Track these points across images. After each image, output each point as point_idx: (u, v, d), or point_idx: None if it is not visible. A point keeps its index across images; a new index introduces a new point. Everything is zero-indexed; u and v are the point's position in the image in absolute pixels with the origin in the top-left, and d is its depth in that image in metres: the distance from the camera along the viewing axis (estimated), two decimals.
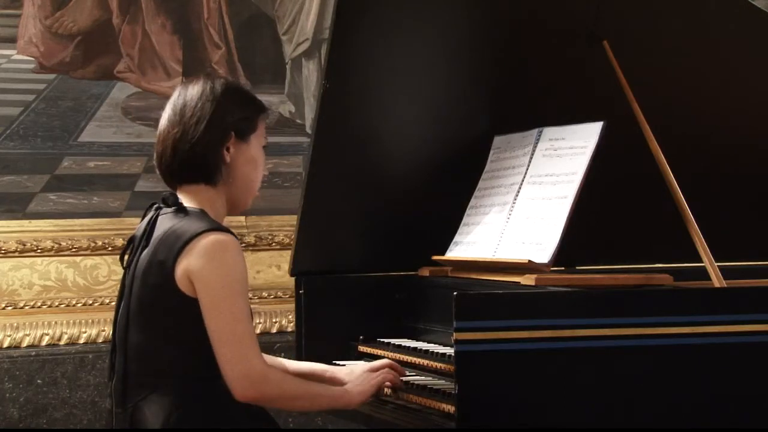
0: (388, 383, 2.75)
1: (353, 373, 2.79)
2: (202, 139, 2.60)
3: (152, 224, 2.61)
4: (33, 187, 4.29)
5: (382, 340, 3.16)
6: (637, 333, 2.53)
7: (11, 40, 4.27)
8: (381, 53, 3.12)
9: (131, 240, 2.66)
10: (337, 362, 3.03)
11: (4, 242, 4.22)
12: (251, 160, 2.68)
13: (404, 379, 2.81)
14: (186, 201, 2.63)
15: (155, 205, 2.66)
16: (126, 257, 2.65)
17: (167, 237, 2.53)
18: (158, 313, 2.53)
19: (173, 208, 2.60)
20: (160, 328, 2.53)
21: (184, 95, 2.65)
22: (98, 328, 4.28)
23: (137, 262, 2.58)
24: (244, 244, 4.53)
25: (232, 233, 2.54)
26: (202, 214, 2.59)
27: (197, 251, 2.48)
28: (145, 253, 2.57)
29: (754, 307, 2.66)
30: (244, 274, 2.51)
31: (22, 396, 4.17)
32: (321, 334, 3.22)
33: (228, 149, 2.63)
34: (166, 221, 2.59)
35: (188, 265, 2.48)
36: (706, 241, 2.88)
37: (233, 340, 2.46)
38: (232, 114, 2.64)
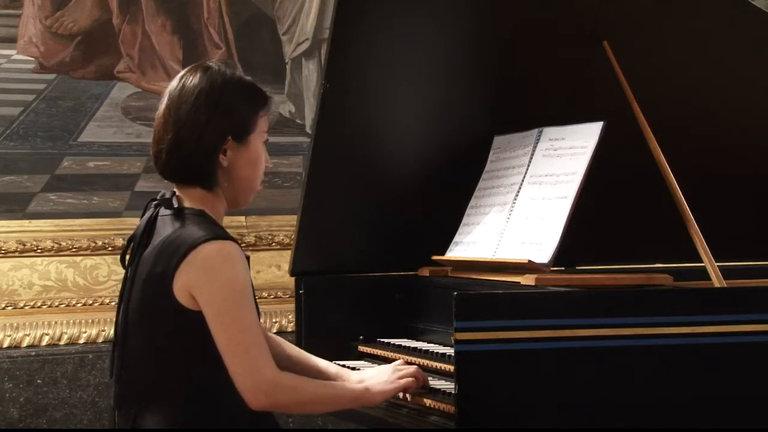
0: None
1: (363, 375, 2.76)
2: (198, 146, 2.52)
3: (152, 223, 2.56)
4: (33, 187, 4.29)
5: (382, 340, 3.16)
6: (637, 333, 2.53)
7: (11, 40, 4.27)
8: (381, 53, 3.12)
9: (131, 239, 2.61)
10: (338, 362, 3.03)
11: (4, 242, 4.22)
12: (250, 161, 2.59)
13: None
14: (185, 199, 2.58)
15: (155, 202, 2.60)
16: (127, 257, 2.61)
17: (166, 247, 2.47)
18: (157, 325, 2.49)
19: (173, 210, 2.55)
20: (158, 339, 2.50)
21: (179, 91, 2.54)
22: (98, 328, 4.28)
23: (138, 264, 2.54)
24: (243, 245, 4.53)
25: (231, 238, 2.49)
26: (201, 216, 2.53)
27: (197, 264, 2.43)
28: (145, 257, 2.52)
29: (754, 307, 2.66)
30: (246, 282, 2.46)
31: (22, 396, 4.17)
32: (321, 334, 3.22)
33: (225, 152, 2.55)
34: (165, 224, 2.54)
35: (188, 279, 2.43)
36: (706, 241, 2.89)
37: (241, 351, 2.42)
38: (230, 116, 2.54)
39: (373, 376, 2.69)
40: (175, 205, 2.56)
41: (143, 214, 2.63)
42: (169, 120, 2.54)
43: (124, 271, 2.61)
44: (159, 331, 2.50)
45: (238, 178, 2.59)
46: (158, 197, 2.60)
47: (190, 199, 2.58)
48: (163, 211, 2.57)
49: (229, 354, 2.43)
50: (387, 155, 3.27)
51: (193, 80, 2.55)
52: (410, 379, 2.68)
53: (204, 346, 2.46)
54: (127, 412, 2.53)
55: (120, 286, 2.62)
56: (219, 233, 2.49)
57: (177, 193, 2.60)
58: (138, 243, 2.56)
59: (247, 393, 2.43)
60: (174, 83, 2.58)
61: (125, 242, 2.64)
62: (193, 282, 2.43)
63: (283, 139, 4.66)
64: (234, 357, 2.42)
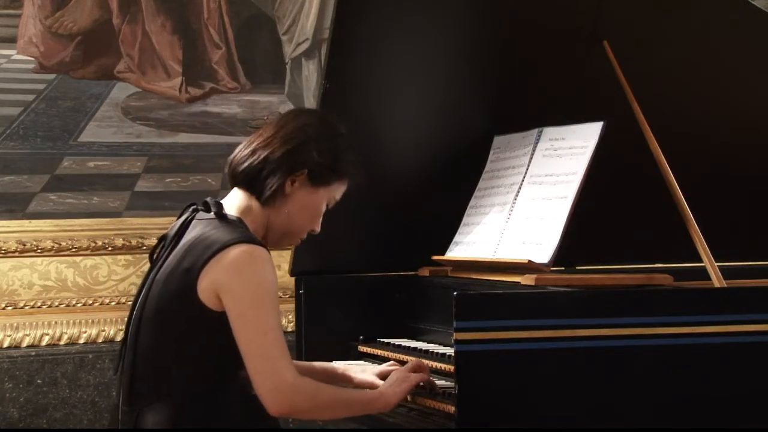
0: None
1: (366, 371, 2.81)
2: (276, 159, 2.60)
3: (185, 226, 2.59)
4: (33, 187, 4.29)
5: (382, 340, 3.16)
6: (637, 333, 2.53)
7: (11, 40, 4.27)
8: (381, 53, 3.13)
9: (163, 238, 2.63)
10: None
11: (4, 242, 4.22)
12: (307, 206, 2.66)
13: None
14: (233, 203, 2.62)
15: (193, 207, 2.64)
16: (155, 255, 2.63)
17: (196, 244, 2.50)
18: (173, 322, 2.50)
19: (211, 214, 2.58)
20: (173, 336, 2.50)
21: (298, 117, 2.69)
22: (98, 328, 4.28)
23: (164, 262, 2.56)
24: None
25: (263, 244, 2.51)
26: (238, 223, 2.57)
27: (225, 264, 2.45)
28: (172, 255, 2.54)
29: (754, 307, 2.66)
30: (273, 286, 2.48)
31: (22, 396, 4.17)
32: (321, 334, 3.23)
33: (293, 182, 2.62)
34: (199, 226, 2.56)
35: (215, 278, 2.45)
36: (706, 241, 2.89)
37: (262, 352, 2.43)
38: (318, 157, 2.63)
39: (384, 382, 2.70)
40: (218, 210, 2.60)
41: (179, 216, 2.66)
42: (270, 129, 2.65)
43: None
44: (174, 328, 2.51)
45: (286, 213, 2.65)
46: (209, 200, 2.63)
47: (239, 206, 2.62)
48: (200, 215, 2.61)
49: (250, 355, 2.44)
50: (387, 155, 3.27)
51: (312, 117, 2.72)
52: (419, 374, 2.69)
53: (216, 346, 2.47)
54: (132, 410, 2.53)
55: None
56: (252, 238, 2.52)
57: (221, 202, 2.64)
58: (168, 243, 2.59)
59: (266, 395, 2.44)
60: (296, 111, 2.78)
61: (157, 240, 2.67)
62: (220, 281, 2.45)
63: None
64: (255, 358, 2.44)
